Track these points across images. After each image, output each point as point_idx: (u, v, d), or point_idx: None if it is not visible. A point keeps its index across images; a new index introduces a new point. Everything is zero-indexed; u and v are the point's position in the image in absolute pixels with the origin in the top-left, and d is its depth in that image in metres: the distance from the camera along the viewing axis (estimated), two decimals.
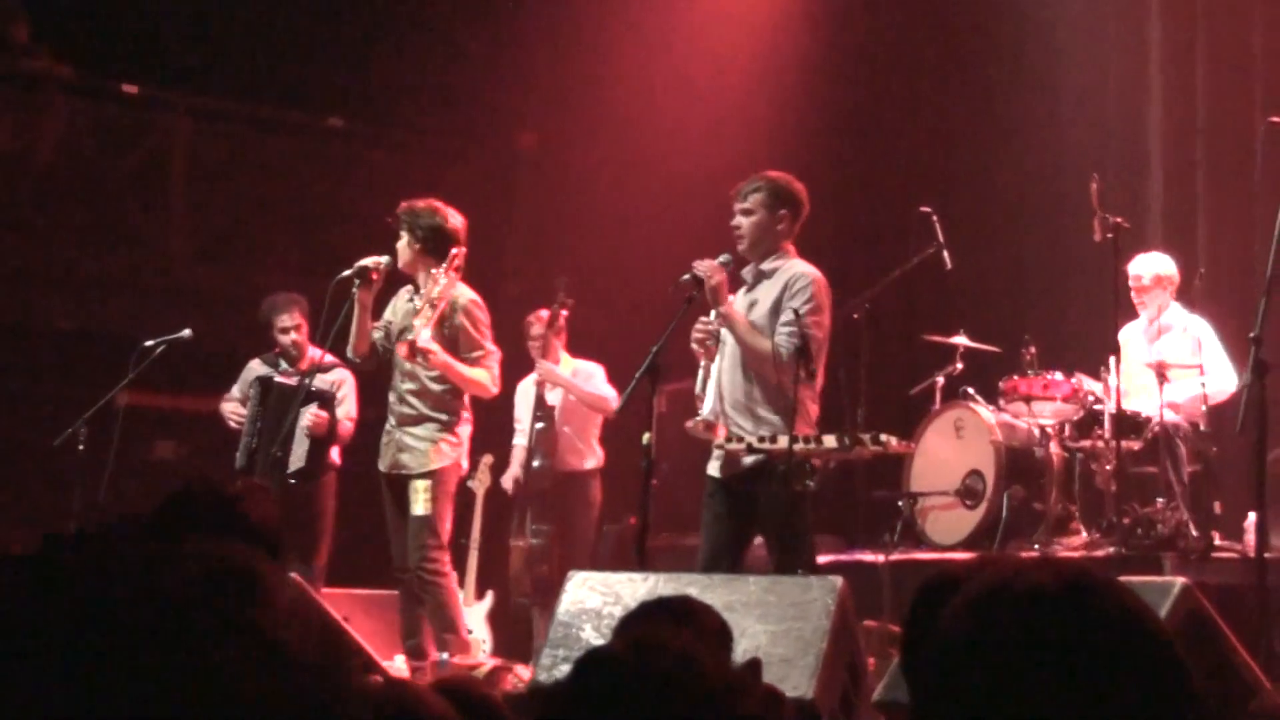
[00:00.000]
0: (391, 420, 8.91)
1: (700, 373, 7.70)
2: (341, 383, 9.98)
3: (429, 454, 8.76)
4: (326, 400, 9.85)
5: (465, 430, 8.98)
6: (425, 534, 8.68)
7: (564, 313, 10.46)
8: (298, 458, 9.78)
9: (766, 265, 7.69)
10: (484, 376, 8.86)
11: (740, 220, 7.67)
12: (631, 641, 2.01)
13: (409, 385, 8.84)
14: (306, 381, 9.72)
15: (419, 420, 8.80)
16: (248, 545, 3.05)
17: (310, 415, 9.75)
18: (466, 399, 8.94)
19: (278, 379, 9.91)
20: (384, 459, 8.91)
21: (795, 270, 7.63)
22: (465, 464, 9.11)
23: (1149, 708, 1.77)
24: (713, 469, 7.67)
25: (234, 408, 10.04)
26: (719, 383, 7.69)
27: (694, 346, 7.63)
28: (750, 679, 3.11)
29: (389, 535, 8.99)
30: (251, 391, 9.95)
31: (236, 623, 1.42)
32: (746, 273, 7.76)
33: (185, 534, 3.04)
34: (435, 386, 8.81)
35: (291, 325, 10.01)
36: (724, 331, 7.66)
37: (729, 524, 7.60)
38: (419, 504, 8.70)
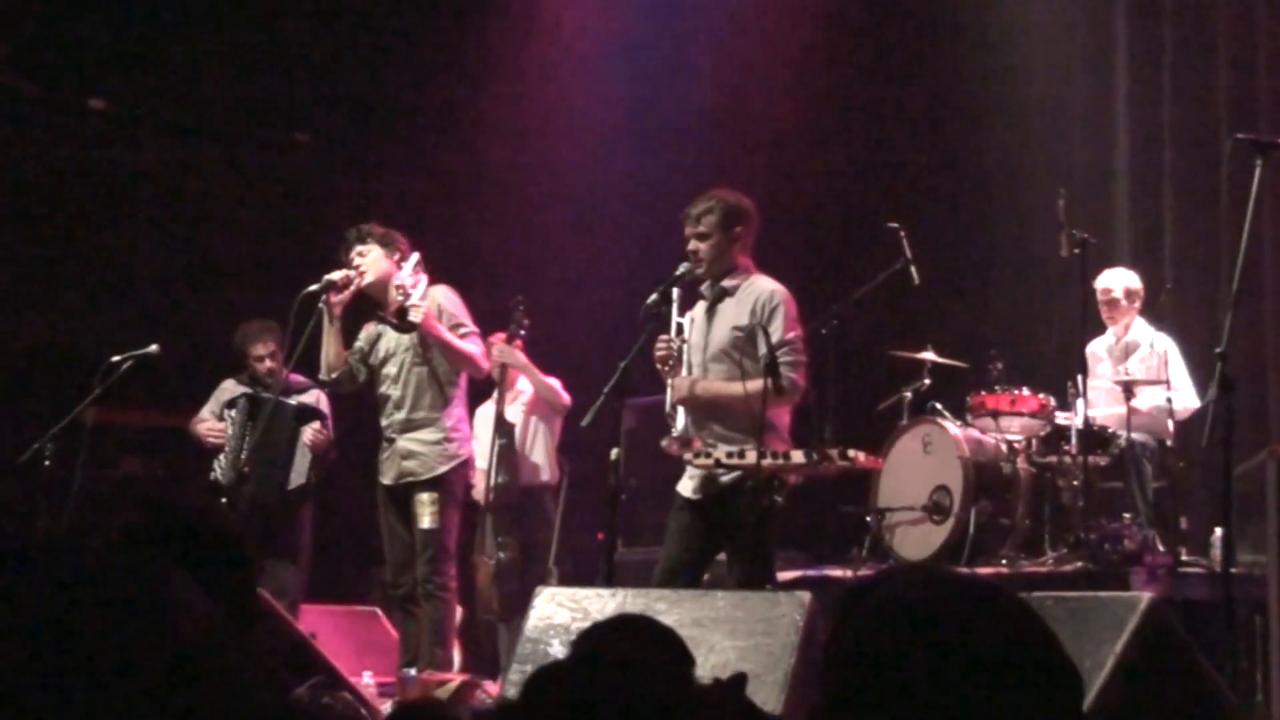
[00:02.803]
0: (390, 431, 8.89)
1: (669, 392, 7.68)
2: (318, 400, 9.93)
3: (437, 455, 8.76)
4: (323, 418, 9.82)
5: (466, 428, 9.00)
6: (433, 548, 8.67)
7: (521, 333, 10.41)
8: (299, 474, 9.73)
9: (728, 282, 7.66)
10: (476, 350, 8.91)
11: (697, 245, 7.64)
12: (582, 656, 2.00)
13: (400, 391, 8.84)
14: (292, 401, 9.71)
15: (420, 424, 8.80)
16: (221, 559, 3.03)
17: (310, 431, 9.72)
18: (462, 396, 8.95)
19: (264, 395, 9.79)
20: (387, 472, 8.88)
21: (761, 289, 7.61)
22: (472, 457, 9.13)
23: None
24: (685, 489, 7.63)
25: (211, 425, 9.93)
26: None
27: (658, 366, 7.62)
28: (712, 695, 3.10)
29: (385, 550, 8.95)
30: (236, 408, 9.85)
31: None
32: (705, 289, 7.74)
33: (154, 549, 3.02)
34: (429, 385, 8.81)
35: (266, 354, 9.92)
36: (684, 349, 7.65)
37: (695, 541, 7.57)
38: (425, 518, 8.69)
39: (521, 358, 10.57)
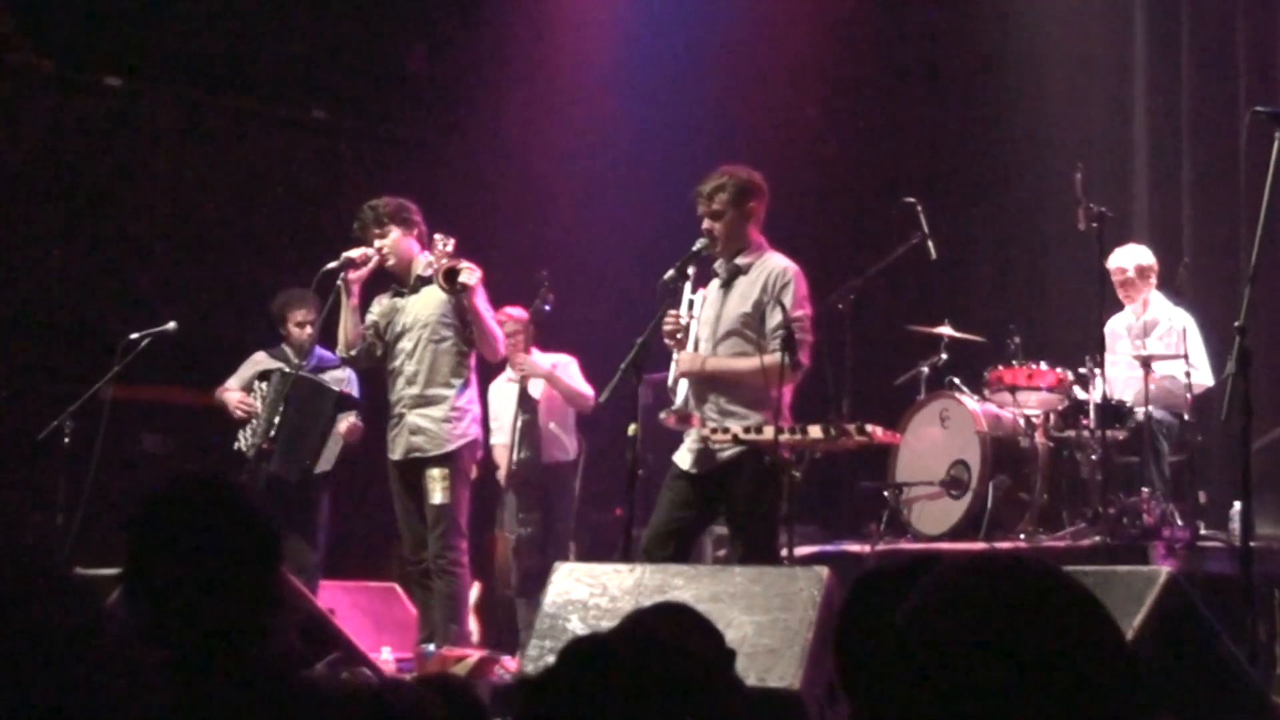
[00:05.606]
0: (400, 406, 8.87)
1: (673, 365, 7.67)
2: (348, 380, 9.87)
3: (446, 434, 8.74)
4: (359, 407, 9.78)
5: (476, 408, 8.97)
6: (445, 523, 8.63)
7: (546, 308, 10.38)
8: (327, 460, 9.66)
9: (741, 260, 7.65)
10: (500, 331, 8.92)
11: (711, 223, 7.63)
12: (617, 630, 2.01)
13: (415, 366, 8.82)
14: (326, 378, 9.66)
15: (431, 401, 8.78)
16: (248, 533, 3.04)
17: (348, 422, 9.65)
18: (474, 375, 8.93)
19: (302, 374, 9.73)
20: (396, 448, 8.84)
21: (774, 266, 7.60)
22: (480, 438, 9.10)
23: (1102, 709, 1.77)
24: (684, 461, 7.61)
25: (242, 397, 9.87)
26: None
27: (666, 340, 7.62)
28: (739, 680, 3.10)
29: (400, 526, 8.92)
30: (270, 382, 9.82)
31: None
32: (718, 266, 7.73)
33: (185, 523, 3.03)
34: (443, 362, 8.79)
35: (308, 320, 9.86)
36: (694, 324, 7.64)
37: (686, 513, 7.56)
38: (437, 493, 8.65)
39: (542, 368, 10.57)
